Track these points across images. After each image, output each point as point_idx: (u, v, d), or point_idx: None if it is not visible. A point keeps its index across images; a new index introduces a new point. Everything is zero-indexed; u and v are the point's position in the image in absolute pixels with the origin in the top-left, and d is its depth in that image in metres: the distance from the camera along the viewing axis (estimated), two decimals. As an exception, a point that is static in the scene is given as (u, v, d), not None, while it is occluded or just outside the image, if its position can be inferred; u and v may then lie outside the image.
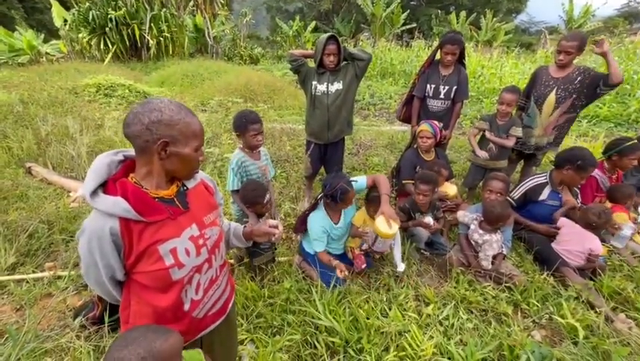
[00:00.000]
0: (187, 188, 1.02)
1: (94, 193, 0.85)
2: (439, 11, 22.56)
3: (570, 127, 3.11)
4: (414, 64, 10.59)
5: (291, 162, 4.17)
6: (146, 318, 0.96)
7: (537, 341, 1.87)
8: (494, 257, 2.34)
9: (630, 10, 28.17)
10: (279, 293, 2.05)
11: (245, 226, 1.34)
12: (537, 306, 2.08)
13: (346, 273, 2.09)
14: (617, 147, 2.77)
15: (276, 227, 1.26)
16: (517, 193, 2.71)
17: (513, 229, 2.57)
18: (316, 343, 1.79)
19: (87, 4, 11.56)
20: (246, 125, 2.10)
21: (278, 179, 3.76)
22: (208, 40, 14.97)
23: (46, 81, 7.22)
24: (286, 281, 2.12)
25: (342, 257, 2.36)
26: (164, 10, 12.52)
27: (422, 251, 2.59)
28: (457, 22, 18.70)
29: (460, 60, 3.07)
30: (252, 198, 2.05)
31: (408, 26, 18.50)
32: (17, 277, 2.22)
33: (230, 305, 1.20)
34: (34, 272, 2.28)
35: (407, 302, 2.07)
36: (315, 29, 19.56)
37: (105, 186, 0.88)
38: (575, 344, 1.84)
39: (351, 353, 1.73)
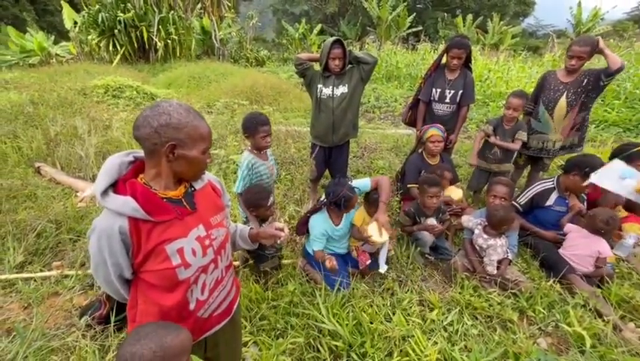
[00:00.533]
0: (195, 189, 1.03)
1: (104, 193, 0.87)
2: (446, 14, 22.55)
3: (588, 125, 3.08)
4: (419, 67, 10.57)
5: (295, 165, 4.18)
6: (152, 317, 0.97)
7: (543, 349, 1.84)
8: (500, 262, 2.32)
9: (640, 13, 27.90)
10: (282, 296, 2.06)
11: (251, 228, 1.35)
12: (543, 313, 2.05)
13: (334, 263, 2.10)
14: (625, 152, 2.72)
15: (282, 230, 1.27)
16: (524, 198, 2.69)
17: (519, 234, 2.54)
18: (319, 346, 1.79)
19: (97, 6, 11.79)
20: (256, 127, 2.13)
21: (283, 181, 3.76)
22: (215, 42, 15.13)
23: (56, 82, 7.35)
24: (290, 284, 2.12)
25: (347, 256, 2.38)
26: (172, 12, 12.70)
27: (427, 256, 2.58)
28: (464, 26, 18.66)
29: (467, 64, 3.06)
30: (256, 200, 2.06)
31: (414, 29, 18.51)
32: (25, 275, 2.25)
33: (235, 306, 1.21)
34: (41, 271, 2.31)
35: (411, 307, 2.06)
36: (321, 32, 19.67)
37: (115, 186, 0.90)
38: (582, 352, 1.80)
39: (355, 357, 1.72)
